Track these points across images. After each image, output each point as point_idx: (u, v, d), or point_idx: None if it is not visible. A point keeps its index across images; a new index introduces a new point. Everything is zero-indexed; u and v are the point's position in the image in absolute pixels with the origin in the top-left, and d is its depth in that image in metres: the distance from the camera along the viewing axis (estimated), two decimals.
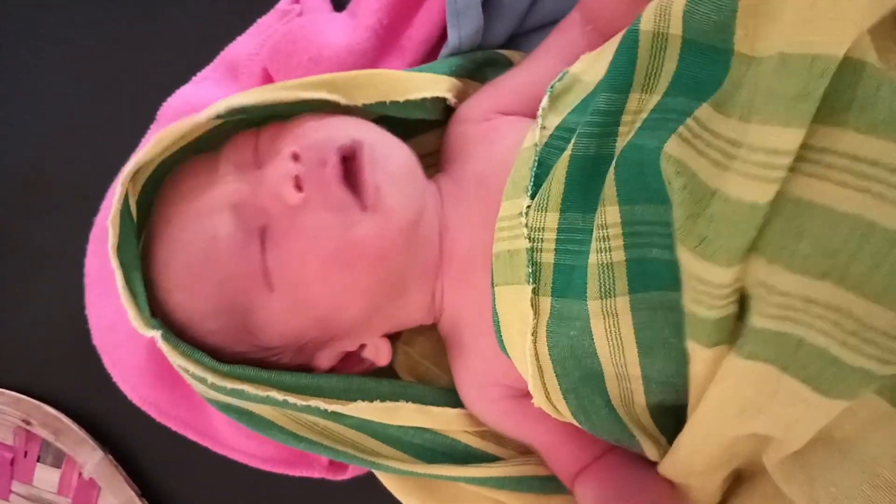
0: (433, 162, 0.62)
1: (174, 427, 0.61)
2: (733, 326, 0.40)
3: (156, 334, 0.50)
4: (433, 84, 0.56)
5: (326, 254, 0.49)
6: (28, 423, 0.68)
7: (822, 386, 0.37)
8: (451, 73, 0.58)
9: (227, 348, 0.53)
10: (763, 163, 0.37)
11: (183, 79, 0.65)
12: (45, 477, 0.69)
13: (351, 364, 0.57)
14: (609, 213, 0.44)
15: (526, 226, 0.48)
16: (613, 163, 0.45)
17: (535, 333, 0.47)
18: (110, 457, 0.67)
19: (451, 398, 0.57)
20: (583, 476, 0.53)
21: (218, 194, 0.51)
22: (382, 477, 0.58)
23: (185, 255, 0.51)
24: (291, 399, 0.52)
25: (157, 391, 0.60)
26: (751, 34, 0.40)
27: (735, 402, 0.40)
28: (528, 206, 0.48)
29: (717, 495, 0.48)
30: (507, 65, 0.60)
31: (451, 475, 0.55)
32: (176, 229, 0.52)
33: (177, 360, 0.51)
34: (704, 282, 0.39)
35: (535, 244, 0.48)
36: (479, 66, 0.59)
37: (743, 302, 0.40)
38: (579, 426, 0.50)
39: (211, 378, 0.51)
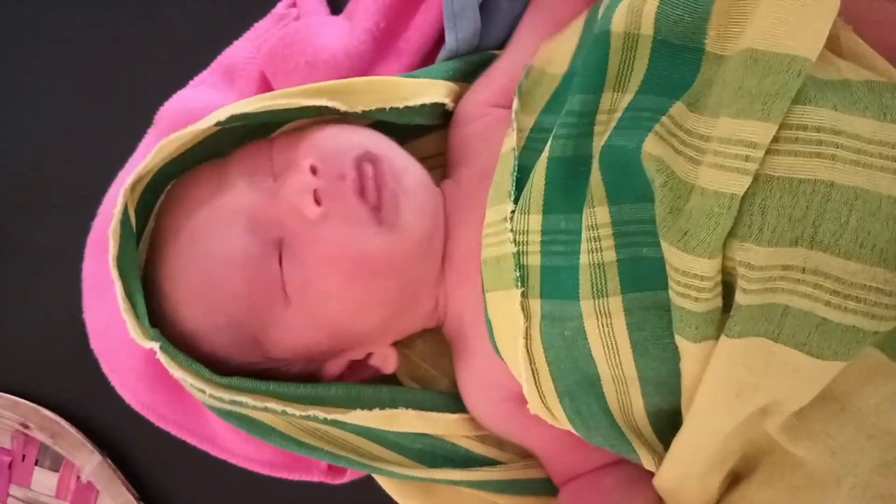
0: (430, 165, 0.62)
1: (173, 431, 0.61)
2: (720, 320, 0.41)
3: (154, 346, 0.50)
4: (432, 89, 0.56)
5: (346, 268, 0.49)
6: (26, 426, 0.68)
7: (814, 349, 0.39)
8: (449, 77, 0.58)
9: (235, 359, 0.53)
10: (742, 155, 0.39)
11: (181, 81, 0.65)
12: (43, 480, 0.69)
13: (357, 371, 0.57)
14: (599, 214, 0.45)
15: (511, 230, 0.48)
16: (597, 164, 0.45)
17: (527, 336, 0.48)
18: (108, 460, 0.67)
19: (451, 403, 0.57)
20: (569, 485, 0.53)
21: (231, 205, 0.51)
22: (381, 480, 0.58)
23: (198, 267, 0.51)
24: (290, 409, 0.52)
25: (156, 395, 0.60)
26: (722, 34, 0.43)
27: (730, 385, 0.41)
28: (512, 211, 0.49)
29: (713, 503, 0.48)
30: None
31: (452, 479, 0.55)
32: (186, 241, 0.52)
33: (175, 371, 0.51)
34: (688, 275, 0.40)
35: (520, 248, 0.48)
36: (477, 69, 0.59)
37: (729, 294, 0.41)
38: (576, 433, 0.50)
39: (209, 390, 0.51)
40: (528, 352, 0.48)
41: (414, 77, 0.57)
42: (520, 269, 0.48)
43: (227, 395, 0.51)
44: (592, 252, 0.45)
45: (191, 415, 0.61)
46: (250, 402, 0.51)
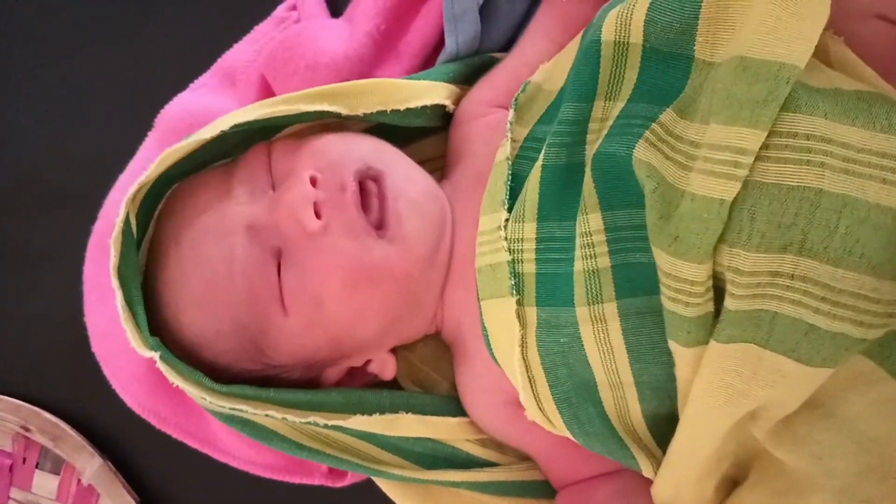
0: (431, 168, 0.62)
1: (174, 434, 0.61)
2: (711, 325, 0.41)
3: (154, 355, 0.50)
4: (432, 91, 0.57)
5: (344, 278, 0.49)
6: (27, 429, 0.68)
7: (803, 356, 0.39)
8: (450, 80, 0.58)
9: (237, 366, 0.53)
10: (731, 161, 0.39)
11: (181, 84, 0.65)
12: (44, 483, 0.69)
13: (356, 378, 0.58)
14: (592, 221, 0.45)
15: (505, 238, 0.49)
16: (589, 171, 0.46)
17: (523, 344, 0.48)
18: (109, 463, 0.67)
19: (452, 406, 0.57)
20: (564, 492, 0.54)
21: (232, 214, 0.51)
22: (381, 483, 0.58)
23: (199, 275, 0.51)
24: (291, 416, 0.52)
25: (157, 398, 0.60)
26: (710, 41, 0.43)
27: (720, 390, 0.41)
28: (507, 220, 0.49)
29: None
30: None
31: (453, 480, 0.55)
32: (188, 249, 0.52)
33: (176, 380, 0.51)
34: (679, 279, 0.40)
35: (515, 256, 0.48)
36: (477, 71, 0.59)
37: (720, 298, 0.41)
38: (574, 439, 0.50)
39: (209, 398, 0.51)
40: (524, 359, 0.48)
41: (415, 79, 0.57)
42: (515, 276, 0.48)
43: (227, 404, 0.51)
44: (586, 259, 0.45)
45: (192, 418, 0.61)
46: (251, 411, 0.51)
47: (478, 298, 0.51)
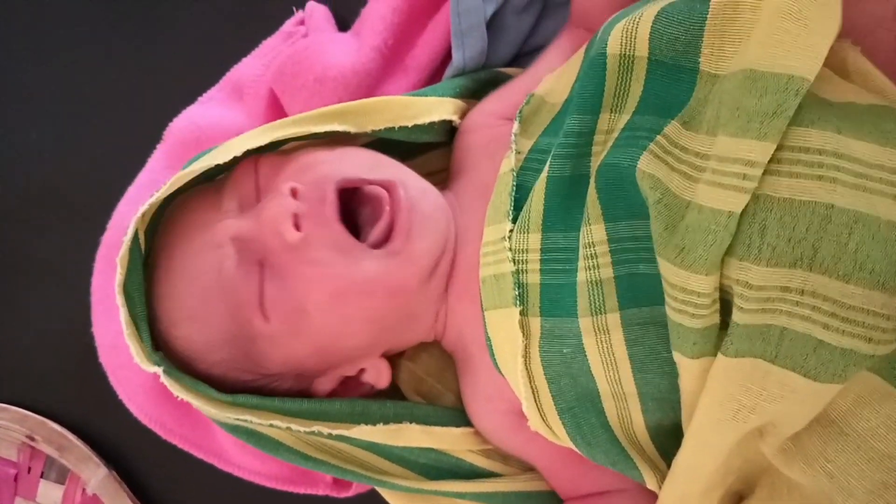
0: (436, 181, 0.62)
1: (179, 445, 0.61)
2: (717, 337, 0.41)
3: (158, 370, 0.51)
4: (439, 107, 0.57)
5: (328, 290, 0.49)
6: (32, 439, 0.68)
7: (811, 372, 0.39)
8: (456, 94, 0.58)
9: (230, 378, 0.54)
10: (739, 174, 0.39)
11: (189, 97, 0.65)
12: (49, 493, 0.69)
13: (351, 388, 0.57)
14: (595, 232, 0.45)
15: (510, 249, 0.49)
16: (593, 182, 0.46)
17: (526, 355, 0.48)
18: (114, 473, 0.67)
19: (456, 417, 0.57)
20: None
21: (220, 227, 0.51)
22: (386, 493, 0.58)
23: (189, 288, 0.52)
24: (295, 426, 0.52)
25: (163, 409, 0.60)
26: (716, 53, 0.43)
27: (726, 405, 0.41)
28: (511, 230, 0.49)
29: None
30: None
31: (457, 491, 0.55)
32: (178, 263, 0.52)
33: (180, 393, 0.51)
34: (686, 291, 0.40)
35: (519, 266, 0.49)
36: (483, 86, 0.60)
37: (727, 311, 0.41)
38: (577, 450, 0.50)
39: (214, 409, 0.52)
40: (527, 370, 0.48)
41: (422, 95, 0.57)
42: (519, 287, 0.48)
43: (232, 414, 0.52)
44: (589, 269, 0.46)
45: (197, 428, 0.62)
46: (255, 420, 0.52)
47: (482, 309, 0.51)
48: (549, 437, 0.50)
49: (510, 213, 0.50)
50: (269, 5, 0.66)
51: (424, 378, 0.61)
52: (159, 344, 0.53)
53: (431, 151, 0.62)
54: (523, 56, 0.62)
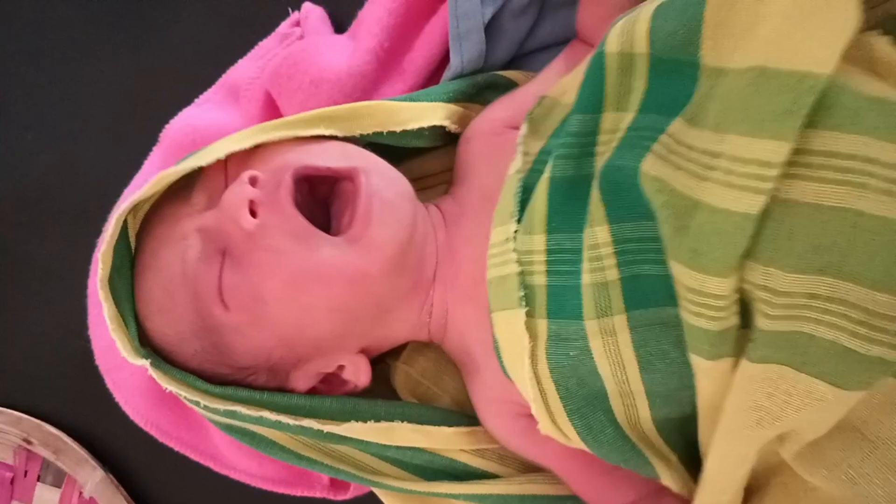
0: (434, 183, 0.62)
1: (176, 447, 0.61)
2: (736, 337, 0.40)
3: (145, 363, 0.51)
4: (431, 112, 0.56)
5: (284, 277, 0.49)
6: (29, 442, 0.68)
7: (838, 380, 0.38)
8: (451, 99, 0.58)
9: (208, 372, 0.53)
10: (754, 174, 0.38)
11: (185, 99, 0.65)
12: (45, 496, 0.69)
13: (334, 386, 0.57)
14: (599, 233, 0.45)
15: (515, 250, 0.48)
16: (596, 183, 0.45)
17: (533, 357, 0.48)
18: (111, 476, 0.67)
19: (449, 417, 0.57)
20: None
21: (186, 220, 0.51)
22: (381, 494, 0.58)
23: (157, 280, 0.52)
24: (284, 419, 0.52)
25: (159, 412, 0.60)
26: (717, 46, 0.42)
27: (751, 413, 0.40)
28: (516, 231, 0.49)
29: None
30: (508, 87, 0.60)
31: (452, 492, 0.55)
32: (149, 256, 0.53)
33: (169, 385, 0.51)
34: (702, 294, 0.39)
35: (525, 268, 0.48)
36: (480, 90, 0.59)
37: (745, 311, 0.40)
38: (590, 451, 0.49)
39: (204, 401, 0.51)
40: (534, 372, 0.48)
41: (414, 100, 0.57)
42: (524, 288, 0.48)
43: (221, 406, 0.51)
44: (594, 272, 0.45)
45: (194, 431, 0.62)
46: (244, 412, 0.51)
47: (489, 311, 0.50)
48: (560, 439, 0.50)
49: (515, 214, 0.49)
50: (266, 7, 0.66)
51: (420, 381, 0.61)
52: (147, 341, 0.53)
53: (429, 153, 0.62)
54: (520, 59, 0.62)
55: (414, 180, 0.62)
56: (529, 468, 0.57)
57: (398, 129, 0.55)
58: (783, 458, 0.43)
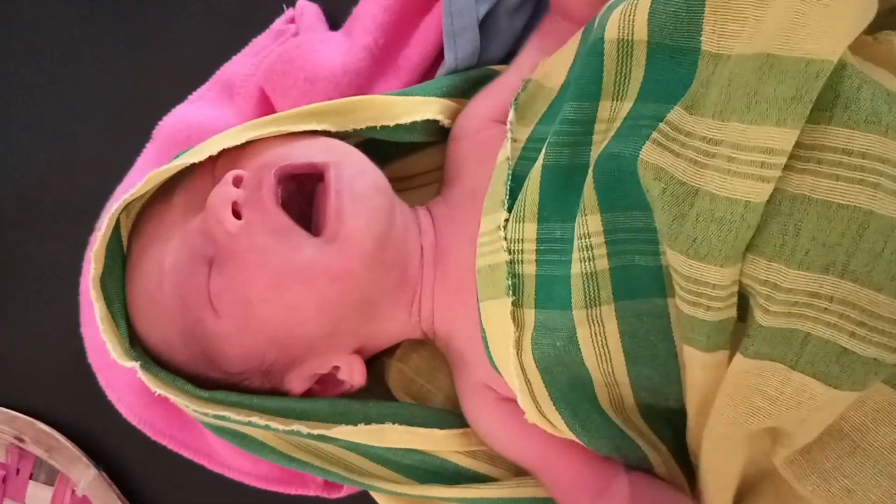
0: (427, 181, 0.62)
1: (170, 445, 0.61)
2: (732, 330, 0.40)
3: (135, 365, 0.50)
4: (424, 107, 0.56)
5: (269, 278, 0.48)
6: (21, 440, 0.68)
7: (832, 379, 0.38)
8: (444, 94, 0.58)
9: (202, 374, 0.53)
10: (758, 162, 0.37)
11: (179, 96, 0.65)
12: (38, 495, 0.68)
13: (330, 387, 0.56)
14: (591, 222, 0.45)
15: (505, 238, 0.48)
16: (591, 172, 0.45)
17: (517, 346, 0.47)
18: (104, 474, 0.67)
19: (441, 418, 0.57)
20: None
21: (171, 224, 0.51)
22: (376, 495, 0.58)
23: (141, 284, 0.52)
24: (274, 424, 0.51)
25: (152, 410, 0.60)
26: (718, 31, 0.41)
27: (741, 408, 0.40)
28: (506, 220, 0.48)
29: None
30: None
31: (444, 496, 0.55)
32: (136, 259, 0.52)
33: (157, 388, 0.51)
34: (700, 283, 0.39)
35: (514, 256, 0.48)
36: (473, 85, 0.59)
37: (743, 304, 0.40)
38: (577, 440, 0.49)
39: (193, 405, 0.51)
40: (519, 361, 0.47)
41: (407, 95, 0.57)
42: (513, 277, 0.48)
43: (210, 410, 0.51)
44: (584, 261, 0.45)
45: (187, 429, 0.61)
46: (233, 417, 0.51)
47: (477, 300, 0.50)
48: (548, 428, 0.49)
49: (505, 202, 0.49)
50: (265, 6, 0.66)
51: (414, 378, 0.61)
52: (138, 343, 0.53)
53: (423, 150, 0.62)
54: (515, 55, 0.62)
55: (407, 178, 0.62)
56: (520, 470, 0.57)
57: (391, 124, 0.55)
58: (775, 465, 0.43)
